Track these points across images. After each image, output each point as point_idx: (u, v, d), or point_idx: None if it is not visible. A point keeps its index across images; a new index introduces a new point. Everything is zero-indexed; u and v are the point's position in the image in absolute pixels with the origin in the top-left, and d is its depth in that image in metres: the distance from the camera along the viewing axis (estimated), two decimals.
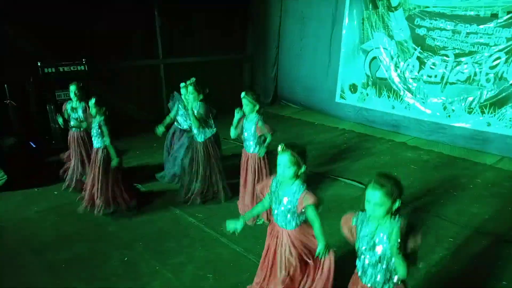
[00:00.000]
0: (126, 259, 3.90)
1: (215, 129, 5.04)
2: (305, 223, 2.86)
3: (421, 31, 7.44)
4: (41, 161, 6.04)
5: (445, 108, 7.33)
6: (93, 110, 4.66)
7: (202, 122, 4.85)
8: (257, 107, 4.31)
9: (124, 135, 4.94)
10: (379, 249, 2.24)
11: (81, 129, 5.37)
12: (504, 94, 6.52)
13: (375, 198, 2.18)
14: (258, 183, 3.89)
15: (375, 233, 2.26)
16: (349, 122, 8.81)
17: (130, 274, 3.67)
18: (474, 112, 6.93)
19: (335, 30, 8.96)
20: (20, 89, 7.07)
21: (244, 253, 3.92)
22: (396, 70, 7.98)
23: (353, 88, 8.83)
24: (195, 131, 4.92)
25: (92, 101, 4.61)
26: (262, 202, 3.08)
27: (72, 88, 5.36)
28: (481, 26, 6.65)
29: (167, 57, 9.06)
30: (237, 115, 4.38)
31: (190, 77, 4.92)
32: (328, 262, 2.82)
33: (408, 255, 2.14)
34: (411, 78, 7.75)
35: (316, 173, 5.81)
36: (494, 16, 6.48)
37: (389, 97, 8.18)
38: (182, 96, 5.44)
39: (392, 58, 8.00)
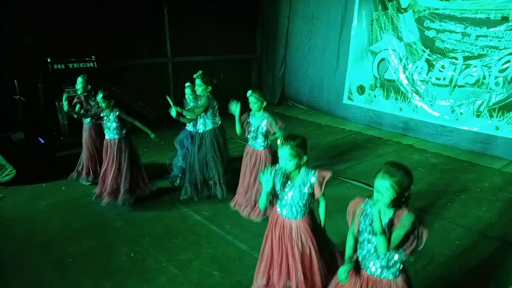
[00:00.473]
0: (133, 254, 3.93)
1: (219, 122, 5.03)
2: (310, 213, 2.91)
3: (431, 33, 7.41)
4: (50, 156, 6.08)
5: (453, 111, 7.30)
6: (102, 104, 4.74)
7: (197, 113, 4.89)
8: (265, 103, 4.36)
9: (131, 132, 4.99)
10: None
11: (91, 119, 5.44)
12: None
13: (383, 186, 2.14)
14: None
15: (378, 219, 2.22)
16: (356, 124, 8.80)
17: (137, 269, 3.71)
18: (483, 116, 6.90)
19: (344, 31, 8.95)
20: (29, 85, 7.14)
21: (249, 251, 3.94)
22: (404, 72, 7.95)
23: (361, 89, 8.82)
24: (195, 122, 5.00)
25: (99, 96, 4.68)
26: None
27: (79, 80, 5.45)
28: (491, 29, 6.61)
29: (175, 56, 9.10)
30: (235, 108, 4.41)
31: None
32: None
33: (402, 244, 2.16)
34: (420, 81, 7.73)
35: None
36: (505, 19, 6.44)
37: (397, 99, 8.16)
38: (186, 96, 5.47)
39: (400, 60, 7.98)
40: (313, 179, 2.76)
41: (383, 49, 8.26)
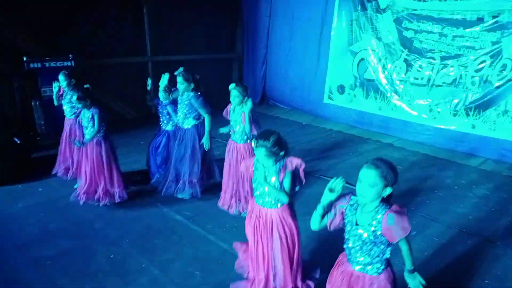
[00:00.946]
0: (112, 256, 3.87)
1: (202, 118, 4.93)
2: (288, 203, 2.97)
3: (409, 34, 7.53)
4: (26, 157, 5.95)
5: (431, 110, 7.43)
6: (78, 105, 4.70)
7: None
8: (246, 99, 4.38)
9: (111, 132, 4.92)
10: (363, 233, 2.23)
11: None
12: (488, 97, 6.64)
13: (368, 177, 2.14)
14: None
15: (362, 217, 2.25)
16: (336, 123, 8.86)
17: (117, 270, 3.65)
18: (459, 115, 7.05)
19: (324, 31, 9.01)
20: (5, 85, 6.97)
21: (231, 251, 3.92)
22: (383, 72, 8.06)
23: (341, 89, 8.89)
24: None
25: (74, 98, 4.63)
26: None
27: (61, 78, 5.43)
28: (467, 30, 6.76)
29: (155, 55, 9.01)
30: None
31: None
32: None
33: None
34: (398, 80, 7.85)
35: None
36: (480, 20, 6.60)
37: (376, 98, 8.26)
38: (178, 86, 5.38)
39: (379, 60, 8.08)
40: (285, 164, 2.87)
41: (363, 49, 8.34)
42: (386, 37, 7.90)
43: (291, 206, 3.00)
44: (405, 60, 7.67)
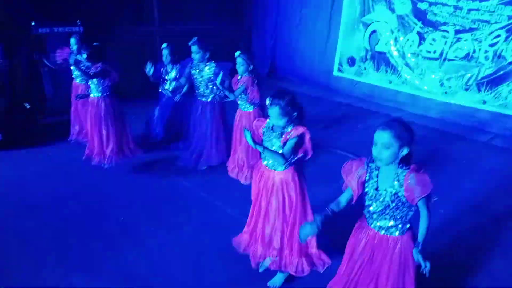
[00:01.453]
0: (122, 219, 3.94)
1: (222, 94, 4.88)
2: (294, 167, 2.96)
3: (423, 6, 7.35)
4: (36, 122, 5.99)
5: (442, 85, 7.33)
6: (88, 64, 4.72)
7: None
8: (251, 67, 4.37)
9: (117, 90, 4.92)
10: (385, 197, 2.23)
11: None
12: (501, 72, 6.53)
13: (382, 139, 2.13)
14: None
15: (382, 180, 2.24)
16: (346, 96, 8.77)
17: (126, 234, 3.72)
18: (471, 90, 6.95)
19: (336, 1, 8.81)
20: (14, 50, 6.93)
21: (238, 216, 3.96)
22: (395, 45, 7.92)
23: (351, 61, 8.77)
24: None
25: (83, 56, 4.62)
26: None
27: (73, 41, 5.44)
28: (483, 3, 6.58)
29: (162, 24, 8.88)
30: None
31: (186, 44, 4.78)
32: None
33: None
34: (410, 53, 7.72)
35: None
36: None
37: (387, 71, 8.15)
38: (164, 58, 5.38)
39: (392, 32, 7.92)
40: (288, 134, 2.84)
41: (375, 20, 8.18)
42: (399, 8, 7.71)
43: (297, 172, 2.98)
44: (418, 33, 7.52)
